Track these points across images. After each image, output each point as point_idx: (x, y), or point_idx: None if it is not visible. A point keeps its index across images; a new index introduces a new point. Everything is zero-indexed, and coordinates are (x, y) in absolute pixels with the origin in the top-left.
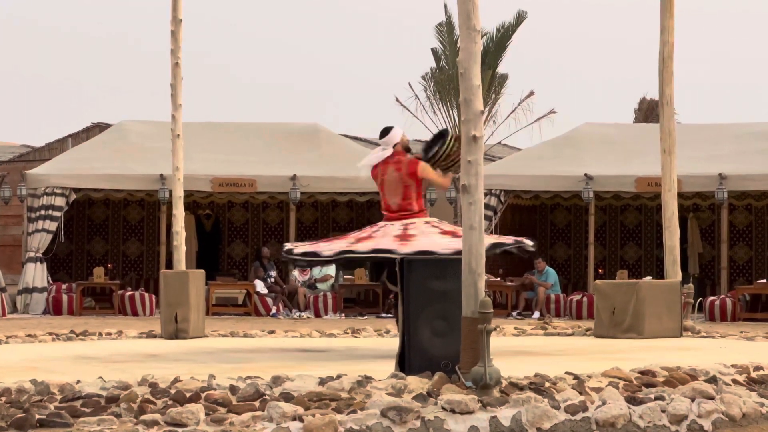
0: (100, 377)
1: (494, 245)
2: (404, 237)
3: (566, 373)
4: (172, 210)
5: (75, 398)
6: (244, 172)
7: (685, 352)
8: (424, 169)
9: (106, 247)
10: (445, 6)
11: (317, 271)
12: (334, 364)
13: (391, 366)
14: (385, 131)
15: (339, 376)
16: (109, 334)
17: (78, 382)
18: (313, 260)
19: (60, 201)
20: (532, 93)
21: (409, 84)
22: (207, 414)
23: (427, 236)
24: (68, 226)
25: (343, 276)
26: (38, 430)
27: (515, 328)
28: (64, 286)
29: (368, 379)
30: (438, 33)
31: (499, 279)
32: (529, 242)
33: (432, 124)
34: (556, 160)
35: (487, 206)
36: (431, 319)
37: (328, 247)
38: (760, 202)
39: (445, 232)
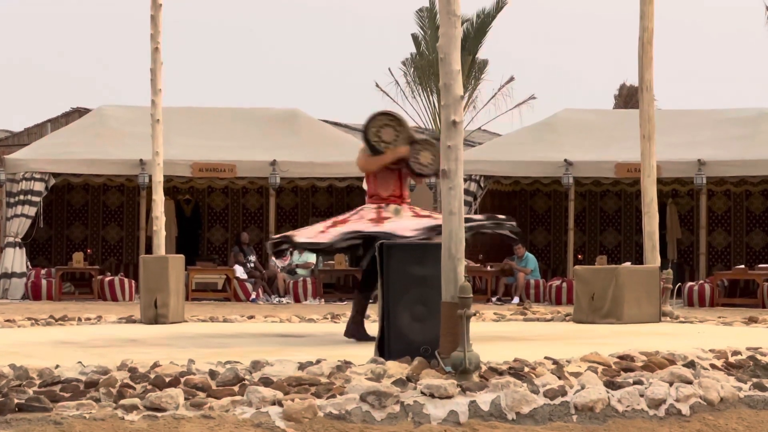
0: (80, 362)
1: (468, 220)
2: (378, 220)
3: (545, 357)
4: (152, 195)
5: (54, 383)
6: (224, 158)
7: (664, 337)
8: (358, 158)
9: (86, 232)
10: None
11: (297, 257)
12: (313, 349)
13: (370, 351)
14: None
15: (318, 361)
16: (89, 319)
17: (57, 366)
18: (316, 249)
19: (39, 186)
20: (512, 79)
21: (389, 69)
22: (186, 398)
23: (401, 220)
24: (47, 211)
25: (322, 261)
26: (17, 414)
27: (495, 314)
28: (43, 271)
29: (347, 363)
30: (419, 18)
31: (478, 264)
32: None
33: (412, 110)
34: (536, 146)
35: (466, 192)
36: (411, 305)
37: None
38: (738, 188)
39: (418, 216)
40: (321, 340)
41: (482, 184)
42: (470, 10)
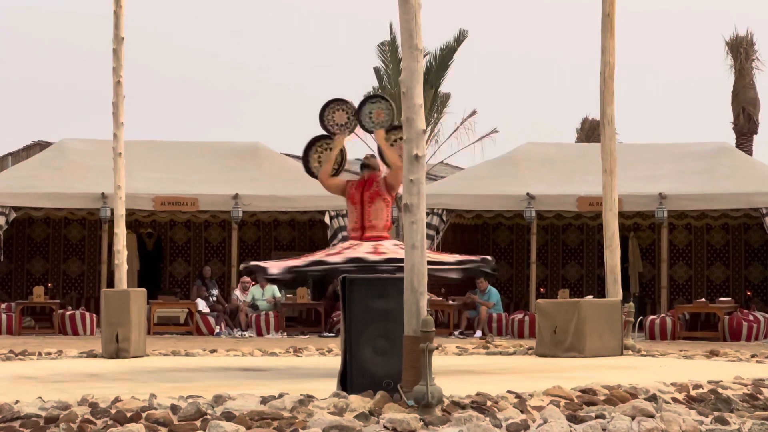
0: (40, 397)
1: (460, 263)
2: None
3: (508, 391)
4: (114, 229)
5: (13, 419)
6: (186, 191)
7: (626, 370)
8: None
9: (47, 266)
10: (391, 25)
11: (259, 293)
12: (276, 383)
13: (333, 385)
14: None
15: (281, 395)
16: (49, 353)
17: (17, 402)
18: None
19: None
20: (474, 112)
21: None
22: None
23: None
24: (8, 245)
25: (285, 295)
26: None
27: (457, 347)
28: (3, 306)
29: (310, 398)
30: (380, 52)
31: (441, 298)
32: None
33: (374, 143)
34: (499, 180)
35: (429, 225)
36: (373, 338)
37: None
38: (699, 221)
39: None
40: (283, 374)
41: (445, 218)
42: (433, 44)
